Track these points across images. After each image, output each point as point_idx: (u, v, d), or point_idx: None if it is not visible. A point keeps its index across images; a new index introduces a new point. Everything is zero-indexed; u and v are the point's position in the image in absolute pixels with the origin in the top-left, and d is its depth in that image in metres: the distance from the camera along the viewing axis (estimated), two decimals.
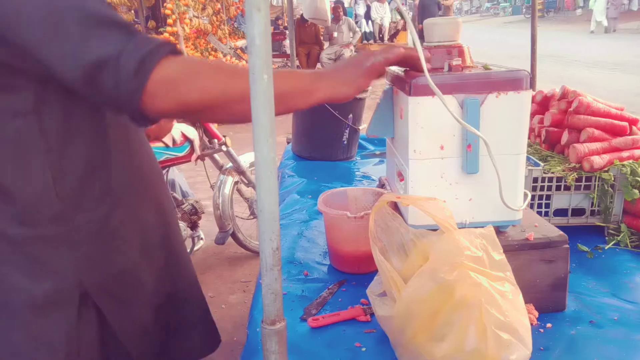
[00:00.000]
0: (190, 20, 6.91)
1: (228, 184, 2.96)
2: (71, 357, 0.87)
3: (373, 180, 1.78)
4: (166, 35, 7.14)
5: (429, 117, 0.85)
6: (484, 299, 0.69)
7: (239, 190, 3.11)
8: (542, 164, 1.23)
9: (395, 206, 0.98)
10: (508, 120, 0.85)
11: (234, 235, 3.03)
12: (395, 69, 1.02)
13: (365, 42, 12.06)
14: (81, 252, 0.84)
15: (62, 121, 0.78)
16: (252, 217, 3.17)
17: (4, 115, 0.75)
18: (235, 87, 0.73)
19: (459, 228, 0.76)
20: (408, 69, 0.91)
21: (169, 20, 6.57)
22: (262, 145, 0.53)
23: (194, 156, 2.75)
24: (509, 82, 0.84)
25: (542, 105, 1.50)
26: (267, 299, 0.60)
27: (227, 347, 2.34)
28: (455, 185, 0.88)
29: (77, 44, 0.67)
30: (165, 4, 6.59)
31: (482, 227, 0.77)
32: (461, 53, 0.94)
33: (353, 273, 1.10)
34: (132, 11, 8.22)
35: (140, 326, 0.97)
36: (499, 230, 0.91)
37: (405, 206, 0.89)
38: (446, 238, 0.74)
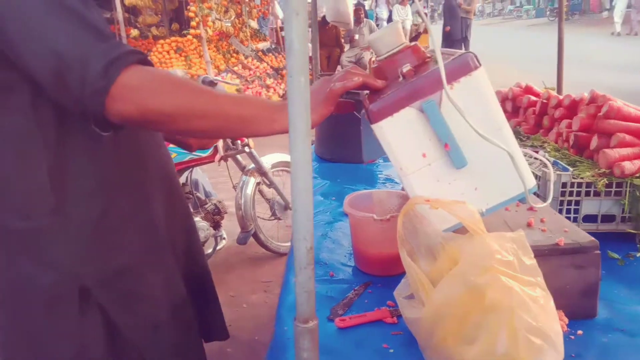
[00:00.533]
0: (213, 22, 7.01)
1: (250, 184, 3.00)
2: (76, 349, 0.89)
3: (396, 183, 1.77)
4: (190, 37, 7.26)
5: (398, 134, 0.83)
6: (515, 303, 0.69)
7: (260, 191, 3.14)
8: (570, 169, 1.22)
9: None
10: (474, 104, 0.81)
11: (255, 236, 3.06)
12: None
13: None
14: (76, 245, 0.87)
15: (59, 117, 0.80)
16: (273, 217, 3.20)
17: (4, 112, 0.78)
18: (197, 102, 0.77)
19: (480, 217, 0.75)
20: (368, 92, 0.90)
21: (193, 23, 6.68)
22: (298, 145, 0.54)
23: (217, 157, 2.79)
24: (456, 70, 0.80)
25: (569, 109, 1.48)
26: (300, 298, 0.61)
27: (248, 346, 2.37)
28: (454, 182, 0.86)
29: (51, 38, 0.70)
30: (188, 7, 6.70)
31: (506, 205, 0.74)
32: (415, 51, 0.90)
33: (378, 275, 1.11)
34: (157, 14, 8.36)
35: (150, 324, 0.98)
36: (520, 201, 0.88)
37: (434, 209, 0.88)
38: (476, 242, 0.74)
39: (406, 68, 0.85)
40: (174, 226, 1.03)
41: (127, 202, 0.92)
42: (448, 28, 11.18)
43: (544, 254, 0.87)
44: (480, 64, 0.82)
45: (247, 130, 0.84)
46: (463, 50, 0.87)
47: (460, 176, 0.85)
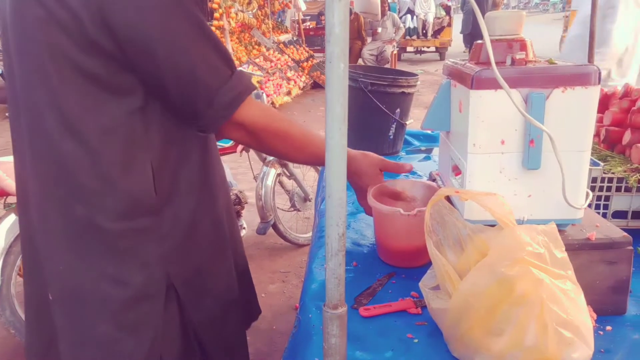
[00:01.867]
0: (236, 14, 7.03)
1: (271, 175, 3.02)
2: (156, 346, 0.90)
3: (419, 175, 1.76)
4: (213, 28, 7.29)
5: (491, 111, 0.84)
6: (545, 296, 0.68)
7: (280, 183, 3.16)
8: (601, 163, 1.19)
9: (449, 200, 0.97)
10: (574, 116, 0.83)
11: (274, 226, 3.08)
12: (453, 61, 1.01)
13: (408, 37, 11.91)
14: (168, 245, 0.89)
15: (163, 120, 0.84)
16: (292, 209, 3.22)
17: (120, 113, 0.80)
18: (296, 156, 1.02)
19: (510, 209, 0.75)
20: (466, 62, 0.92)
21: (216, 15, 6.71)
22: (335, 132, 0.55)
23: (239, 147, 2.81)
24: (577, 77, 0.81)
25: (601, 103, 1.45)
26: (330, 284, 0.61)
27: (266, 335, 2.40)
28: (514, 180, 0.87)
29: (193, 62, 0.80)
30: None
31: (541, 224, 0.76)
32: (524, 47, 0.93)
33: (401, 267, 1.10)
34: None
35: (214, 319, 1.00)
36: (559, 228, 0.89)
37: (463, 201, 0.88)
38: (506, 233, 0.74)
39: (520, 56, 0.87)
40: (232, 226, 1.07)
41: (206, 201, 0.95)
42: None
43: (575, 248, 0.86)
44: (599, 82, 0.83)
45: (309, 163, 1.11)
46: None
47: (523, 177, 0.86)
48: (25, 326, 1.01)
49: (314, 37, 10.74)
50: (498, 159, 0.86)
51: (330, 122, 0.55)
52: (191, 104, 0.82)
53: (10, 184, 1.99)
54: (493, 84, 0.80)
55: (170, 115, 0.85)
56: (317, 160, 0.98)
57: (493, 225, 0.78)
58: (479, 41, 0.97)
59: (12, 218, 2.07)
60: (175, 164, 0.88)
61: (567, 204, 0.85)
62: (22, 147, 0.87)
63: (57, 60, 0.76)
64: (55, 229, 0.86)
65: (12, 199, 2.14)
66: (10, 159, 2.05)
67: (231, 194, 2.91)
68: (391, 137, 1.94)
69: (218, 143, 2.70)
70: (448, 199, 0.97)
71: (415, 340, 0.85)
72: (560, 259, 0.74)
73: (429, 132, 2.25)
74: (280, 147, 0.97)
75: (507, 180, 0.87)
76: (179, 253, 0.91)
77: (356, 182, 1.13)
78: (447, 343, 0.81)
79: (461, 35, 12.71)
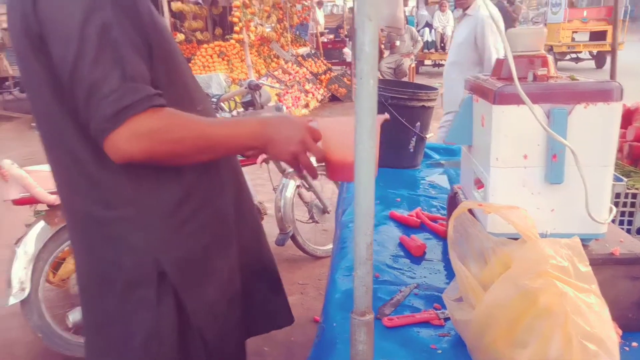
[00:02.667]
0: (256, 27, 7.16)
1: (290, 187, 3.05)
2: (152, 332, 0.95)
3: (439, 188, 1.77)
4: (232, 41, 7.44)
5: (513, 126, 0.85)
6: (569, 308, 0.69)
7: (299, 194, 3.19)
8: (625, 179, 1.19)
9: (472, 213, 0.98)
10: (596, 131, 0.84)
11: (293, 238, 3.10)
12: (475, 76, 1.03)
13: (426, 50, 11.94)
14: (152, 233, 0.93)
15: None
16: (311, 221, 3.23)
17: (73, 106, 0.84)
18: (195, 139, 0.86)
19: (533, 223, 0.76)
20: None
21: (236, 28, 6.84)
22: (364, 144, 0.57)
23: (259, 158, 2.85)
24: (599, 93, 0.83)
25: (624, 119, 1.45)
26: (358, 291, 0.63)
27: (284, 346, 2.40)
28: (537, 195, 0.88)
29: (88, 67, 0.77)
30: (232, 13, 6.87)
31: (564, 238, 0.77)
32: (545, 63, 0.94)
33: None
34: (201, 20, 8.62)
35: (212, 310, 1.03)
36: (582, 243, 0.90)
37: (487, 214, 0.89)
38: (530, 246, 0.75)
39: (542, 72, 0.89)
40: (242, 221, 1.09)
41: (203, 193, 0.98)
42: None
43: (598, 263, 0.86)
44: (622, 99, 0.84)
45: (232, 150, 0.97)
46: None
47: (546, 191, 0.87)
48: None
49: (332, 50, 10.85)
50: (521, 173, 0.87)
51: (359, 135, 0.57)
52: (86, 109, 0.80)
53: (40, 191, 2.06)
54: (515, 99, 0.82)
55: None
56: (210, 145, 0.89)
57: (516, 239, 0.79)
58: (501, 57, 0.99)
59: (41, 224, 2.13)
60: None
61: (590, 219, 0.85)
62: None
63: (31, 71, 0.85)
64: (70, 225, 0.99)
65: (42, 207, 2.21)
66: (40, 167, 2.12)
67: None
68: (411, 150, 1.96)
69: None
70: (471, 211, 0.98)
71: (439, 351, 0.86)
72: (584, 272, 0.74)
73: (449, 145, 2.26)
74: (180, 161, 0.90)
75: (530, 194, 0.88)
76: (169, 241, 0.94)
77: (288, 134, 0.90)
78: (470, 354, 0.82)
79: None
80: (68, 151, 0.88)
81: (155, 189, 0.92)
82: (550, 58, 0.97)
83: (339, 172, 0.97)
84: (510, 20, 10.85)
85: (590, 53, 12.55)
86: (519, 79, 0.92)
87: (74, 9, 0.78)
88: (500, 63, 0.98)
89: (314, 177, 0.99)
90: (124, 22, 0.80)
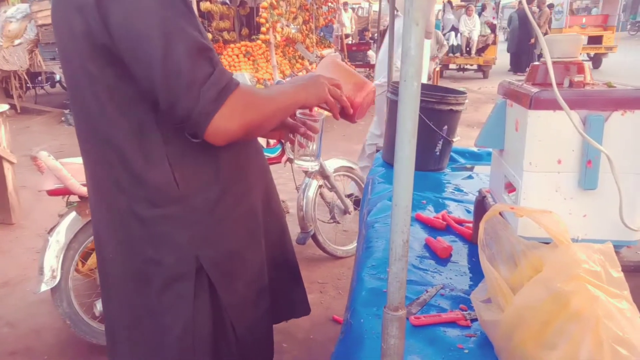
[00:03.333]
0: (282, 29, 7.22)
1: (313, 187, 3.08)
2: (188, 322, 0.98)
3: (465, 192, 1.78)
4: (259, 42, 7.51)
5: (548, 131, 0.86)
6: (601, 312, 0.69)
7: (321, 194, 3.21)
8: None
9: (502, 216, 0.99)
10: (634, 138, 0.84)
11: (314, 237, 3.13)
12: (509, 81, 1.04)
13: (451, 55, 11.85)
14: (196, 230, 0.96)
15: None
16: (332, 221, 3.26)
17: (129, 110, 0.89)
18: (272, 107, 0.94)
19: (566, 227, 0.76)
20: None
21: (263, 29, 6.91)
22: (405, 145, 0.59)
23: (284, 158, 2.89)
24: (637, 101, 0.83)
25: None
26: (392, 287, 0.65)
27: (304, 344, 2.43)
28: (570, 200, 0.88)
29: (177, 66, 0.81)
30: (260, 14, 6.95)
31: (596, 244, 0.77)
32: (581, 69, 0.94)
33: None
34: (227, 20, 8.72)
35: (245, 303, 1.07)
36: (614, 249, 0.90)
37: (518, 217, 0.90)
38: (562, 251, 0.75)
39: (578, 78, 0.90)
40: (269, 217, 1.13)
41: (237, 190, 1.01)
42: (533, 40, 11.32)
43: (630, 270, 0.86)
44: None
45: (288, 113, 1.02)
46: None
47: (579, 196, 0.88)
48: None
49: (355, 52, 10.86)
50: (554, 178, 0.88)
51: (401, 135, 0.59)
52: (177, 102, 0.82)
53: (74, 183, 2.13)
54: (551, 105, 0.83)
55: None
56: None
57: (547, 243, 0.80)
58: (536, 63, 1.00)
59: (73, 215, 2.20)
60: (197, 156, 0.94)
61: (623, 225, 0.85)
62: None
63: (82, 74, 0.88)
64: (104, 220, 1.00)
65: (74, 198, 2.29)
66: (73, 159, 2.20)
67: None
68: (437, 153, 1.96)
69: (264, 153, 2.80)
70: (501, 215, 0.99)
71: (466, 351, 0.87)
72: (617, 278, 0.75)
73: (475, 149, 2.26)
74: (269, 125, 0.97)
75: (563, 199, 0.88)
76: (209, 237, 0.98)
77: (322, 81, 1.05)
78: (497, 355, 0.82)
79: (505, 53, 12.59)
80: (115, 150, 0.91)
81: (198, 187, 0.95)
82: (587, 65, 0.97)
83: (357, 112, 1.11)
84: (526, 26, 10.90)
85: (588, 55, 14.19)
86: (556, 85, 0.93)
87: (151, 23, 0.80)
88: (536, 68, 0.98)
89: (347, 107, 1.08)
90: (194, 23, 0.86)
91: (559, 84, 0.92)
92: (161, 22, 0.80)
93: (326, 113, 1.14)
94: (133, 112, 0.89)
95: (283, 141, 2.85)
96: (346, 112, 1.09)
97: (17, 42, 7.39)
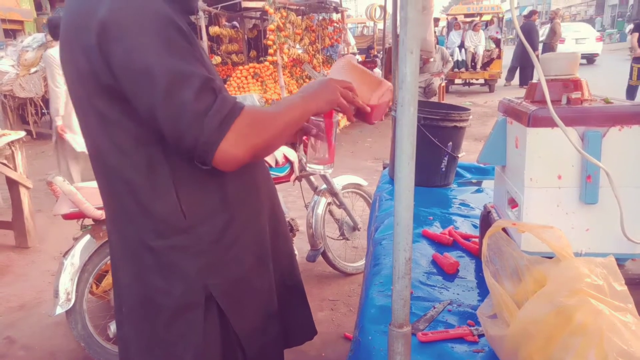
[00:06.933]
0: (289, 50, 7.34)
1: (321, 204, 3.10)
2: (199, 352, 0.99)
3: (472, 208, 1.79)
4: (266, 63, 7.64)
5: (547, 148, 0.88)
6: (605, 326, 0.70)
7: (330, 212, 3.23)
8: None
9: (506, 232, 1.01)
10: (632, 153, 0.85)
11: (324, 254, 3.14)
12: (509, 99, 1.07)
13: (456, 70, 11.92)
14: (204, 259, 0.97)
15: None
16: (341, 237, 3.27)
17: (137, 144, 0.91)
18: (280, 123, 0.93)
19: (568, 242, 0.78)
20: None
21: (270, 50, 7.03)
22: (404, 166, 0.62)
23: (293, 177, 2.93)
24: (634, 116, 0.85)
25: None
26: (396, 304, 0.67)
27: None
28: (571, 214, 0.89)
29: (179, 103, 0.81)
30: (267, 36, 7.08)
31: (599, 257, 0.78)
32: (579, 86, 0.97)
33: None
34: (236, 43, 8.89)
35: (255, 328, 1.07)
36: (618, 262, 0.90)
37: (521, 233, 0.92)
38: (565, 265, 0.77)
39: (576, 95, 0.92)
40: (277, 240, 1.14)
41: (244, 215, 1.02)
42: (538, 52, 11.33)
43: (634, 283, 0.87)
44: None
45: (299, 126, 1.00)
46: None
47: (581, 211, 0.89)
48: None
49: None
50: (555, 193, 0.89)
51: (399, 157, 0.62)
52: (183, 136, 0.83)
53: (88, 207, 2.18)
54: (549, 122, 0.85)
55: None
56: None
57: (550, 257, 0.81)
58: (534, 81, 1.03)
59: (87, 238, 2.25)
60: (203, 184, 0.95)
61: (626, 239, 0.86)
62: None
63: (91, 111, 0.91)
64: (118, 247, 1.02)
65: (88, 221, 2.34)
66: (88, 184, 2.25)
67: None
68: (443, 169, 1.98)
69: (273, 172, 2.83)
70: (505, 230, 1.01)
71: None
72: (620, 291, 0.75)
73: (480, 164, 2.27)
74: (277, 144, 0.97)
75: (565, 214, 0.90)
76: (217, 266, 0.99)
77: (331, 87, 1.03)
78: None
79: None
80: (124, 182, 0.93)
81: (205, 216, 0.96)
82: (584, 81, 0.99)
83: (374, 113, 1.10)
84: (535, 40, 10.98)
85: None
86: (554, 102, 0.95)
87: (151, 62, 0.81)
88: (534, 86, 1.01)
89: (362, 107, 1.07)
90: (194, 54, 0.86)
91: (557, 101, 0.94)
92: (161, 60, 0.80)
93: (340, 115, 1.12)
94: (141, 146, 0.91)
95: (297, 144, 2.87)
96: (362, 113, 1.08)
97: (33, 70, 7.61)
